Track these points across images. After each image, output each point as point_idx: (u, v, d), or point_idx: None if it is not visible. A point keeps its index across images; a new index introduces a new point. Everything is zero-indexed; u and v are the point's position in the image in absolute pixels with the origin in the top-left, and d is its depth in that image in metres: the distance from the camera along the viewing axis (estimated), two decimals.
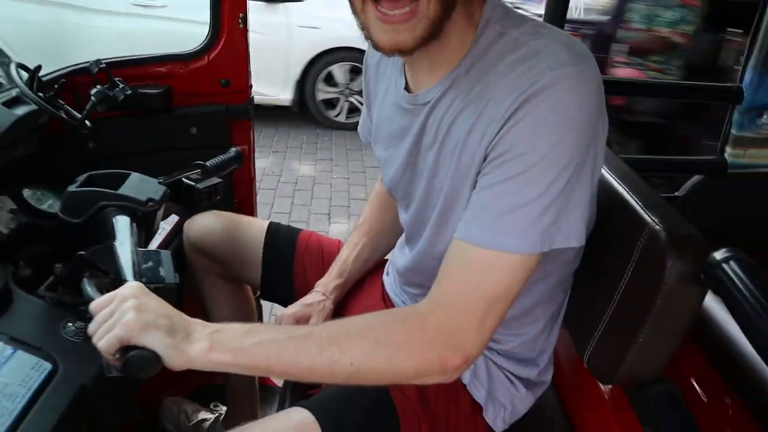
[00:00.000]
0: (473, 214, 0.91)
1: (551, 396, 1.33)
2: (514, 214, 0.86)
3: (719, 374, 1.22)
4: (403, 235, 1.25)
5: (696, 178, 2.14)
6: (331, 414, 1.07)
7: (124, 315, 0.86)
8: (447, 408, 1.16)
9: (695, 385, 1.22)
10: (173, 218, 1.67)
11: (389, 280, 1.38)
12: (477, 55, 0.94)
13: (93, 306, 0.91)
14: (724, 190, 2.15)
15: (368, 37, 0.93)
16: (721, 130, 2.18)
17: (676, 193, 2.15)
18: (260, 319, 1.98)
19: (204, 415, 1.79)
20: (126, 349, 0.85)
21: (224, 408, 1.80)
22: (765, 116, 2.12)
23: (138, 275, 1.02)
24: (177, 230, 1.63)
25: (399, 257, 1.28)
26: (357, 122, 1.40)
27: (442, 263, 0.94)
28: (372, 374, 0.90)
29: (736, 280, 0.89)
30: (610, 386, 1.21)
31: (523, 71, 0.86)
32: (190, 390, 1.92)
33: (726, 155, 2.16)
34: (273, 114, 5.60)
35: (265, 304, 2.07)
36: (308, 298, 1.37)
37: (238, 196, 1.95)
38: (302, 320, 1.33)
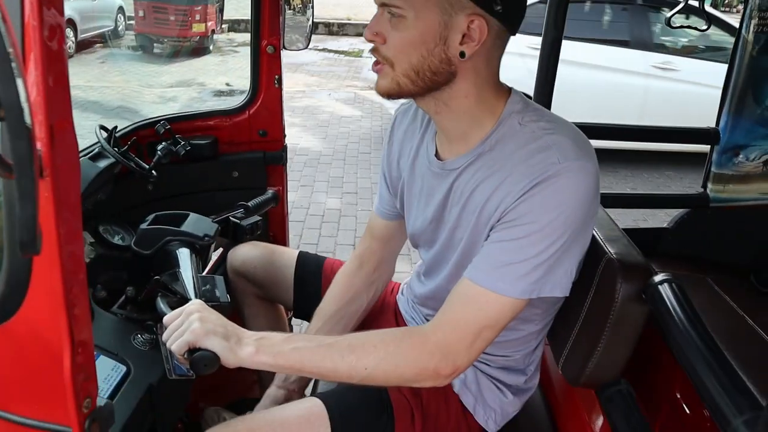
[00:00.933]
0: (481, 260, 1.14)
1: (539, 399, 1.55)
2: (512, 266, 1.09)
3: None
4: (420, 269, 1.48)
5: (682, 211, 2.34)
6: (337, 403, 1.30)
7: (191, 324, 1.10)
8: (438, 408, 1.38)
9: (657, 382, 1.44)
10: (219, 250, 1.93)
11: (403, 300, 1.61)
12: (499, 138, 1.15)
13: (166, 319, 1.17)
14: (707, 221, 2.36)
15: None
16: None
17: (665, 225, 2.36)
18: None
19: None
20: (193, 351, 1.10)
21: None
22: (741, 155, 2.30)
23: (199, 295, 1.28)
24: (222, 258, 1.88)
25: (417, 285, 1.50)
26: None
27: (449, 294, 1.18)
28: (381, 377, 1.14)
29: (666, 300, 1.12)
30: (586, 389, 1.43)
31: (537, 160, 1.08)
32: (228, 401, 2.15)
33: (708, 190, 2.37)
34: (302, 151, 5.89)
35: (297, 324, 2.30)
36: (267, 393, 1.56)
37: (273, 229, 2.21)
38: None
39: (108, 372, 1.26)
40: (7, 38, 0.58)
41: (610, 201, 2.33)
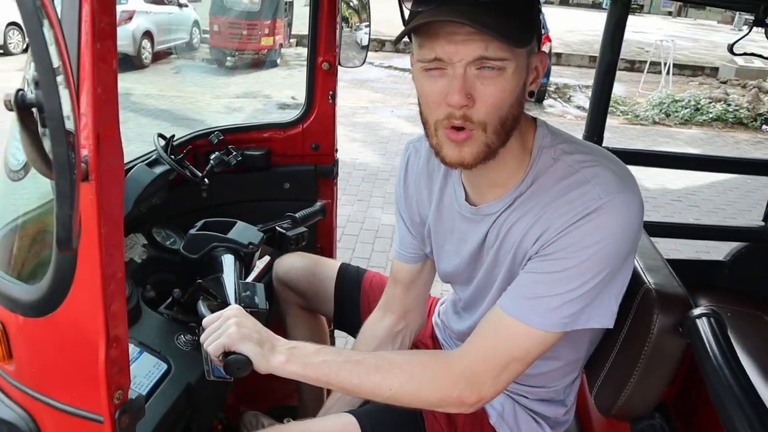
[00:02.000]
0: (514, 290, 1.12)
1: (573, 428, 1.51)
2: (544, 300, 1.06)
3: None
4: (457, 302, 1.44)
5: (741, 244, 2.25)
6: (371, 421, 1.30)
7: (228, 328, 1.14)
8: None
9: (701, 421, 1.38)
10: (266, 258, 1.98)
11: (440, 324, 1.58)
12: (534, 177, 1.11)
13: (205, 321, 1.21)
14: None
15: (438, 153, 1.09)
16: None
17: (721, 258, 2.27)
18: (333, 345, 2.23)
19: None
20: (227, 354, 1.14)
21: None
22: None
23: (238, 301, 1.32)
24: (269, 267, 1.92)
25: (454, 320, 1.46)
26: None
27: (480, 321, 1.16)
28: (404, 399, 1.14)
29: (703, 334, 1.09)
30: (620, 422, 1.39)
31: (576, 196, 1.04)
32: (267, 407, 2.19)
33: None
34: (361, 166, 5.96)
35: (339, 335, 2.32)
36: None
37: (321, 241, 2.24)
38: None
39: (149, 368, 1.32)
40: (56, 51, 0.63)
41: (661, 230, 2.27)
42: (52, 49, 0.64)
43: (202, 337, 1.18)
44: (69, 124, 0.69)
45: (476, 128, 1.02)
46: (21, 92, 0.66)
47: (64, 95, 0.68)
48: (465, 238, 1.25)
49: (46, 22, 0.64)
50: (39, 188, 1.09)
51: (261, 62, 11.82)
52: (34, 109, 0.67)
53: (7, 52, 10.52)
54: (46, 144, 0.66)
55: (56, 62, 0.66)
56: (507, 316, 1.09)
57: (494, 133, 1.03)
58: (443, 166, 1.22)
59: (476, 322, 1.20)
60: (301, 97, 2.11)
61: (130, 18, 10.77)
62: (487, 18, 0.94)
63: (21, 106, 0.66)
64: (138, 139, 1.88)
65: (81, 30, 0.72)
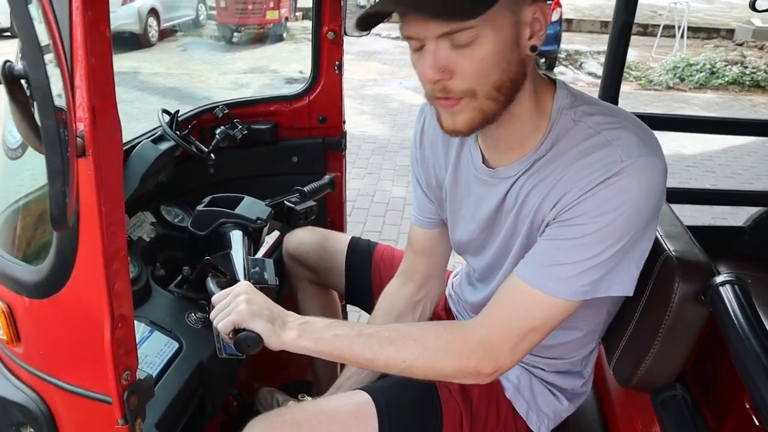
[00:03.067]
0: (532, 257, 1.08)
1: (590, 400, 1.49)
2: (564, 267, 1.03)
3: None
4: (471, 274, 1.41)
5: (761, 209, 2.19)
6: (385, 398, 1.28)
7: (238, 305, 1.12)
8: (487, 410, 1.34)
9: (725, 391, 1.35)
10: (275, 233, 1.96)
11: (453, 296, 1.56)
12: (553, 140, 1.07)
13: (214, 298, 1.19)
14: None
15: (438, 122, 1.08)
16: None
17: (741, 224, 2.22)
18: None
19: (293, 403, 2.05)
20: (237, 331, 1.12)
21: (309, 398, 2.05)
22: None
23: (248, 277, 1.30)
24: (279, 243, 1.90)
25: (468, 292, 1.43)
26: None
27: (497, 290, 1.13)
28: (419, 371, 1.12)
29: (727, 302, 1.05)
30: (640, 393, 1.37)
31: (597, 158, 1.00)
32: (282, 382, 2.19)
33: None
34: (370, 139, 5.92)
35: (352, 309, 2.31)
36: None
37: (331, 215, 2.22)
38: None
39: (161, 347, 1.31)
40: (45, 21, 0.60)
41: (679, 197, 2.22)
42: (43, 24, 0.61)
43: (211, 315, 1.17)
44: (63, 98, 0.67)
45: (463, 96, 1.00)
46: (8, 63, 0.63)
47: (58, 71, 0.66)
48: (481, 202, 1.22)
49: None
50: (41, 168, 1.08)
51: (267, 37, 11.73)
52: (23, 81, 0.64)
53: (14, 35, 10.49)
54: (38, 117, 0.63)
55: (47, 35, 0.63)
56: (524, 284, 1.06)
57: (488, 98, 1.00)
58: None
59: (492, 293, 1.17)
60: (307, 70, 2.06)
61: None
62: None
63: (9, 78, 0.63)
64: (146, 118, 1.85)
65: None
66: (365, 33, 2.07)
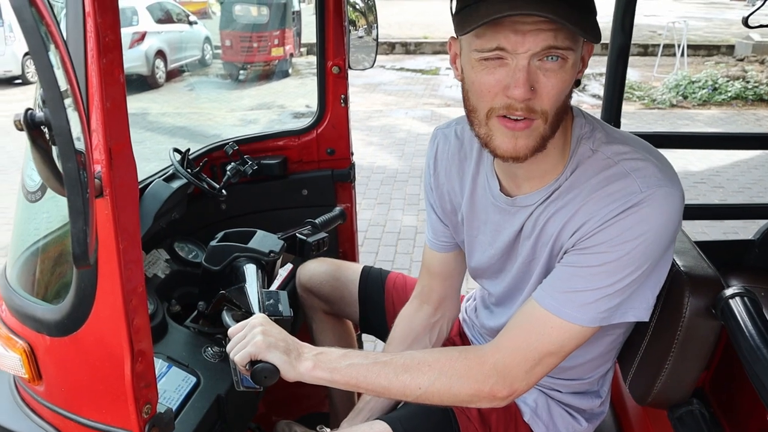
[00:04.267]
0: (550, 283, 1.10)
1: (609, 419, 1.49)
2: (582, 294, 1.04)
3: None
4: (487, 298, 1.41)
5: None
6: (404, 427, 1.27)
7: (254, 337, 1.13)
8: None
9: (744, 404, 1.34)
10: (288, 266, 1.98)
11: (467, 320, 1.56)
12: (572, 168, 1.09)
13: (231, 331, 1.21)
14: None
15: (487, 144, 1.05)
16: None
17: (751, 237, 2.21)
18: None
19: None
20: (254, 363, 1.14)
21: (328, 430, 2.04)
22: None
23: (262, 309, 1.31)
24: (292, 275, 1.92)
25: (486, 317, 1.43)
26: None
27: (514, 314, 1.14)
28: (435, 397, 1.12)
29: (738, 315, 1.06)
30: (657, 409, 1.36)
31: (617, 189, 1.02)
32: (299, 415, 2.19)
33: None
34: (379, 169, 5.96)
35: (367, 338, 2.31)
36: None
37: (343, 246, 2.24)
38: None
39: (179, 382, 1.33)
40: (63, 70, 0.63)
41: (688, 212, 2.21)
42: (60, 70, 0.64)
43: (228, 347, 1.18)
44: (81, 142, 0.70)
45: (538, 117, 0.99)
46: (30, 111, 0.67)
47: (75, 115, 0.69)
48: (500, 229, 1.22)
49: (51, 43, 0.64)
50: (59, 210, 1.11)
51: (273, 73, 11.90)
52: (44, 128, 0.67)
53: (25, 81, 10.73)
54: (58, 161, 0.66)
55: (64, 81, 0.66)
56: (542, 309, 1.07)
57: (551, 124, 1.01)
58: (475, 153, 1.22)
59: (510, 318, 1.18)
60: (314, 104, 2.10)
61: (142, 38, 10.90)
62: (556, 5, 0.91)
63: (30, 125, 0.66)
64: (156, 158, 1.89)
65: (86, 46, 0.72)
66: (369, 67, 2.12)
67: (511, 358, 1.08)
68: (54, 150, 0.69)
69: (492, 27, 0.95)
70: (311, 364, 1.12)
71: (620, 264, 1.01)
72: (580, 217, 1.06)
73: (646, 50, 13.37)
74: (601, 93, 2.08)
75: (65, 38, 0.68)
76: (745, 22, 2.01)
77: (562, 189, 1.10)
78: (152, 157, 4.66)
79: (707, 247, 1.33)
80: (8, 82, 10.97)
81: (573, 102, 1.12)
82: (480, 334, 1.49)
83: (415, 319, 1.48)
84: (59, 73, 0.65)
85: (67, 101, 0.68)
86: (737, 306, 1.07)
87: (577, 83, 1.04)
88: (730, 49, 13.28)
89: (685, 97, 9.60)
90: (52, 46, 0.65)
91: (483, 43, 0.97)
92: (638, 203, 0.99)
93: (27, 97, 9.39)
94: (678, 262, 1.20)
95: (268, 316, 1.26)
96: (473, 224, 1.29)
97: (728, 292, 1.10)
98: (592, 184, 1.05)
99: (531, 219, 1.15)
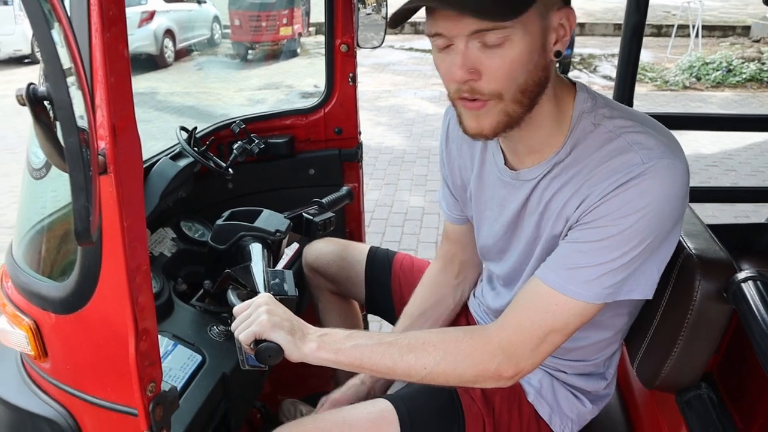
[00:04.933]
0: (553, 260, 1.09)
1: (615, 402, 1.48)
2: (585, 270, 1.03)
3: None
4: (494, 279, 1.41)
5: None
6: (407, 406, 1.28)
7: (259, 316, 1.13)
8: (510, 415, 1.33)
9: (755, 389, 1.33)
10: (295, 245, 1.98)
11: (474, 302, 1.55)
12: (574, 143, 1.07)
13: (235, 309, 1.20)
14: None
15: (460, 124, 1.08)
16: None
17: (763, 221, 2.19)
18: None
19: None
20: (258, 342, 1.13)
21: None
22: None
23: (268, 289, 1.31)
24: (298, 255, 1.92)
25: (491, 297, 1.43)
26: None
27: (518, 293, 1.13)
28: (440, 377, 1.12)
29: (750, 299, 1.04)
30: (665, 393, 1.35)
31: (619, 162, 1.00)
32: (305, 394, 2.20)
33: None
34: (386, 150, 5.94)
35: (373, 319, 2.32)
36: (349, 383, 1.55)
37: (350, 226, 2.23)
38: (340, 404, 1.47)
39: (184, 360, 1.33)
40: (66, 44, 0.62)
41: (699, 195, 2.20)
42: (64, 48, 0.63)
43: (233, 326, 1.18)
44: (85, 118, 0.69)
45: (490, 98, 1.00)
46: (32, 86, 0.66)
47: (80, 94, 0.68)
48: (504, 204, 1.22)
49: (54, 19, 0.63)
50: (65, 187, 1.10)
51: (281, 53, 11.84)
52: (46, 102, 0.66)
53: (35, 61, 10.75)
54: (61, 137, 0.65)
55: (68, 58, 0.65)
56: (546, 287, 1.06)
57: (514, 101, 1.00)
58: None
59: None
60: (322, 84, 2.09)
61: (151, 17, 10.85)
62: None
63: (32, 99, 0.65)
64: (164, 137, 1.88)
65: (90, 20, 0.71)
66: (378, 45, 2.09)
67: (516, 337, 1.08)
68: (57, 126, 0.68)
69: (429, 13, 0.99)
70: (315, 345, 1.12)
71: (623, 238, 1.00)
72: (582, 192, 1.05)
73: (660, 31, 13.18)
74: (613, 74, 2.04)
75: (68, 13, 0.67)
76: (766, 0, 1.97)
77: (565, 164, 1.09)
78: (160, 136, 4.66)
79: (718, 231, 1.31)
80: (18, 61, 10.98)
81: (584, 83, 1.11)
82: (486, 314, 1.48)
83: (442, 278, 1.53)
84: (63, 52, 0.64)
85: (72, 79, 0.67)
86: (749, 290, 1.05)
87: (558, 54, 1.02)
88: (746, 30, 13.06)
89: (699, 79, 9.48)
90: (55, 23, 0.64)
91: (428, 29, 1.01)
92: (639, 175, 0.98)
93: (35, 76, 9.40)
94: (689, 244, 1.19)
95: (274, 295, 1.25)
96: (481, 199, 1.30)
97: (741, 275, 1.09)
98: (594, 158, 1.04)
99: (535, 193, 1.14)
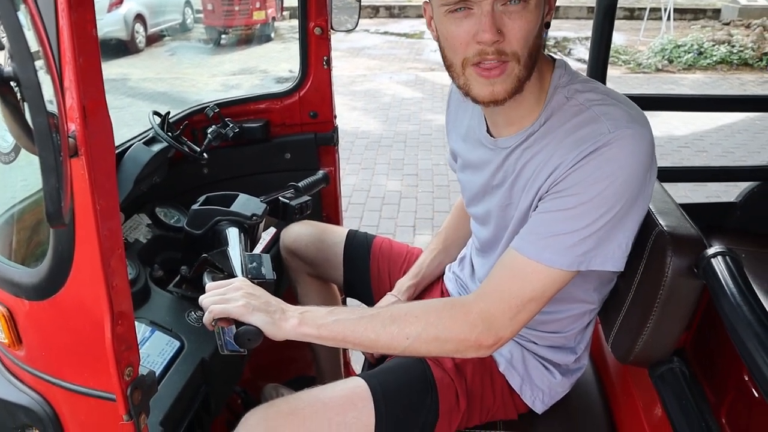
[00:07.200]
0: (528, 230, 1.12)
1: (591, 377, 1.51)
2: (559, 237, 1.07)
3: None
4: (479, 245, 1.43)
5: (752, 184, 2.21)
6: (380, 381, 1.31)
7: (237, 300, 1.13)
8: (482, 385, 1.37)
9: (724, 363, 1.37)
10: (272, 230, 1.97)
11: (451, 277, 1.59)
12: (548, 116, 1.13)
13: (208, 287, 1.20)
14: None
15: (467, 93, 1.11)
16: None
17: (733, 200, 2.23)
18: None
19: None
20: (238, 325, 1.13)
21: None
22: None
23: (245, 273, 1.31)
24: (276, 239, 1.91)
25: (469, 270, 1.48)
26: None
27: (495, 265, 1.16)
28: (422, 347, 1.14)
29: (719, 275, 1.07)
30: (638, 368, 1.38)
31: (587, 132, 1.05)
32: (286, 378, 2.21)
33: None
34: (363, 134, 5.92)
35: (351, 303, 2.32)
36: (382, 301, 1.61)
37: (327, 210, 2.23)
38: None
39: (162, 346, 1.32)
40: (32, 25, 0.61)
41: (670, 175, 2.23)
42: (31, 29, 0.62)
43: (200, 298, 1.18)
44: (54, 102, 0.67)
45: (511, 60, 1.04)
46: None
47: (48, 80, 0.66)
48: (482, 166, 1.28)
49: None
50: (36, 172, 1.08)
51: (255, 37, 11.70)
52: (12, 84, 0.64)
53: (0, 46, 10.47)
54: (29, 118, 0.64)
55: (35, 40, 0.64)
56: (521, 256, 1.10)
57: (525, 66, 1.05)
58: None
59: (491, 266, 1.21)
60: (297, 69, 2.07)
61: (121, 2, 10.63)
62: None
63: None
64: (137, 123, 1.85)
65: (57, 1, 0.69)
66: (352, 28, 2.08)
67: (495, 306, 1.11)
68: (25, 107, 0.67)
69: None
70: (296, 321, 1.13)
71: (593, 204, 1.04)
72: (553, 162, 1.09)
73: (632, 14, 13.28)
74: (587, 57, 2.06)
75: None
76: None
77: (538, 135, 1.13)
78: (133, 122, 4.58)
79: (690, 210, 1.34)
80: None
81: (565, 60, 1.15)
82: (462, 287, 1.52)
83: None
84: (31, 35, 0.63)
85: (41, 63, 0.66)
86: (719, 265, 1.08)
87: (547, 25, 1.09)
88: (716, 13, 13.22)
89: (671, 62, 9.59)
90: (21, 4, 0.62)
91: None
92: (607, 143, 1.02)
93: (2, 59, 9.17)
94: (661, 221, 1.21)
95: (251, 279, 1.25)
96: (466, 161, 1.36)
97: (710, 251, 1.11)
98: (565, 129, 1.09)
99: (510, 161, 1.19)
